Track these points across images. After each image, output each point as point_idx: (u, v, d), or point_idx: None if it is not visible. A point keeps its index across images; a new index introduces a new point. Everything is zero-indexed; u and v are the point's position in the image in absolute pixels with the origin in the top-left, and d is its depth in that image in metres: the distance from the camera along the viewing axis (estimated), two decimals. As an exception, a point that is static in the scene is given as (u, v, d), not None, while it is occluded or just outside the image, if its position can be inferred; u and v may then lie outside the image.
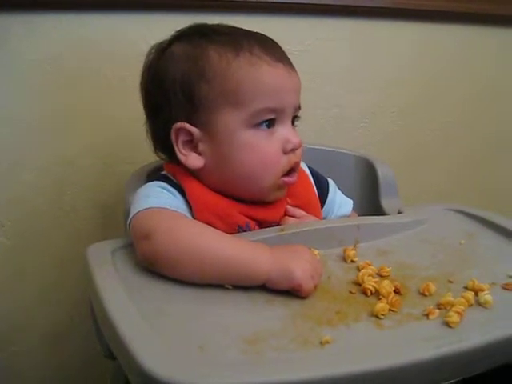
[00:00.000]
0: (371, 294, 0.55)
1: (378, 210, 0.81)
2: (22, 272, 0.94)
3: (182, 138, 0.65)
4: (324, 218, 0.77)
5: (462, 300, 0.52)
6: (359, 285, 0.56)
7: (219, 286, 0.55)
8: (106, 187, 0.95)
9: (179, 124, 0.64)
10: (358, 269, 0.60)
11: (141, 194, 0.64)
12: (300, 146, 0.67)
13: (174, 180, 0.67)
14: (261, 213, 0.67)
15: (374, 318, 0.51)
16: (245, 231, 0.65)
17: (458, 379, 0.50)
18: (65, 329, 0.99)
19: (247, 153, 0.64)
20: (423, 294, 0.55)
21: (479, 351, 0.47)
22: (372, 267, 0.59)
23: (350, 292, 0.56)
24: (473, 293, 0.54)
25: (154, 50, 0.70)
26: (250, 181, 0.65)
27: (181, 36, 0.68)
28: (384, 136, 1.19)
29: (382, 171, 0.86)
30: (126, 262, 0.59)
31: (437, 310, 0.51)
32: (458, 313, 0.50)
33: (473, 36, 1.21)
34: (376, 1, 1.07)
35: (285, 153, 0.66)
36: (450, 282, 0.58)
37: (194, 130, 0.64)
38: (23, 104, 0.88)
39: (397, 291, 0.55)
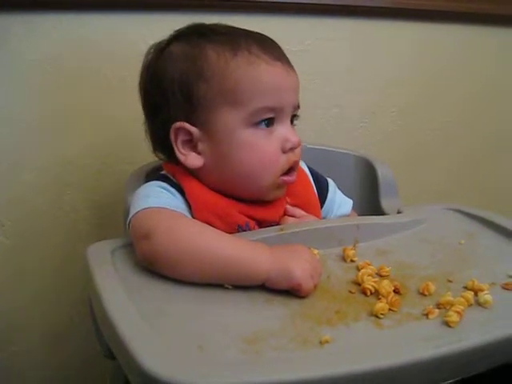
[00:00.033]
0: (371, 293, 0.55)
1: (378, 210, 0.82)
2: (21, 272, 0.94)
3: (181, 137, 0.65)
4: (324, 218, 0.77)
5: (462, 300, 0.52)
6: (359, 284, 0.56)
7: (219, 285, 0.55)
8: (106, 187, 0.95)
9: (178, 124, 0.64)
10: (358, 268, 0.60)
11: (140, 193, 0.64)
12: (299, 144, 0.67)
13: (174, 180, 0.67)
14: (260, 212, 0.67)
15: (373, 318, 0.51)
16: (244, 231, 0.65)
17: (458, 379, 0.50)
18: (64, 329, 0.99)
19: (246, 152, 0.64)
20: (423, 294, 0.55)
21: (479, 351, 0.47)
22: (371, 267, 0.59)
23: (350, 292, 0.56)
24: (472, 292, 0.54)
25: (152, 50, 0.70)
26: (249, 180, 0.65)
27: (179, 36, 0.68)
28: (384, 136, 1.19)
29: (381, 171, 0.86)
30: (125, 262, 0.59)
31: (436, 310, 0.51)
32: (458, 312, 0.50)
33: (473, 36, 1.21)
34: (376, 1, 1.07)
35: (284, 152, 0.66)
36: (450, 281, 0.58)
37: (193, 129, 0.64)
38: (23, 104, 0.88)
39: (396, 291, 0.55)
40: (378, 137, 1.18)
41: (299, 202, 0.72)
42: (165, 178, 0.67)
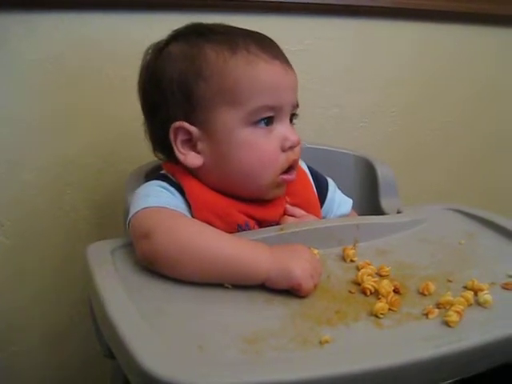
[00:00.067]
0: (371, 293, 0.55)
1: (378, 210, 0.82)
2: (21, 272, 0.94)
3: (180, 137, 0.65)
4: (323, 218, 0.77)
5: (462, 299, 0.52)
6: (359, 284, 0.56)
7: (219, 285, 0.55)
8: (107, 186, 0.95)
9: (178, 123, 0.64)
10: (358, 268, 0.60)
11: (140, 193, 0.64)
12: (298, 143, 0.67)
13: (173, 179, 0.67)
14: (260, 212, 0.67)
15: (373, 318, 0.51)
16: (244, 230, 0.65)
17: (458, 379, 0.50)
18: (64, 329, 0.99)
19: (246, 151, 0.64)
20: (423, 294, 0.55)
21: (478, 351, 0.47)
22: (371, 267, 0.59)
23: (350, 291, 0.56)
24: (472, 292, 0.54)
25: (151, 50, 0.70)
26: (248, 179, 0.65)
27: (178, 36, 0.68)
28: (384, 136, 1.19)
29: (381, 171, 0.86)
30: (125, 262, 0.59)
31: (436, 310, 0.51)
32: (458, 312, 0.50)
33: (473, 36, 1.21)
34: (376, 0, 1.07)
35: (283, 150, 0.66)
36: (450, 281, 0.58)
37: (192, 128, 0.64)
38: (23, 104, 0.88)
39: (396, 291, 0.55)
40: (378, 137, 1.18)
41: (299, 201, 0.72)
42: (164, 178, 0.67)
